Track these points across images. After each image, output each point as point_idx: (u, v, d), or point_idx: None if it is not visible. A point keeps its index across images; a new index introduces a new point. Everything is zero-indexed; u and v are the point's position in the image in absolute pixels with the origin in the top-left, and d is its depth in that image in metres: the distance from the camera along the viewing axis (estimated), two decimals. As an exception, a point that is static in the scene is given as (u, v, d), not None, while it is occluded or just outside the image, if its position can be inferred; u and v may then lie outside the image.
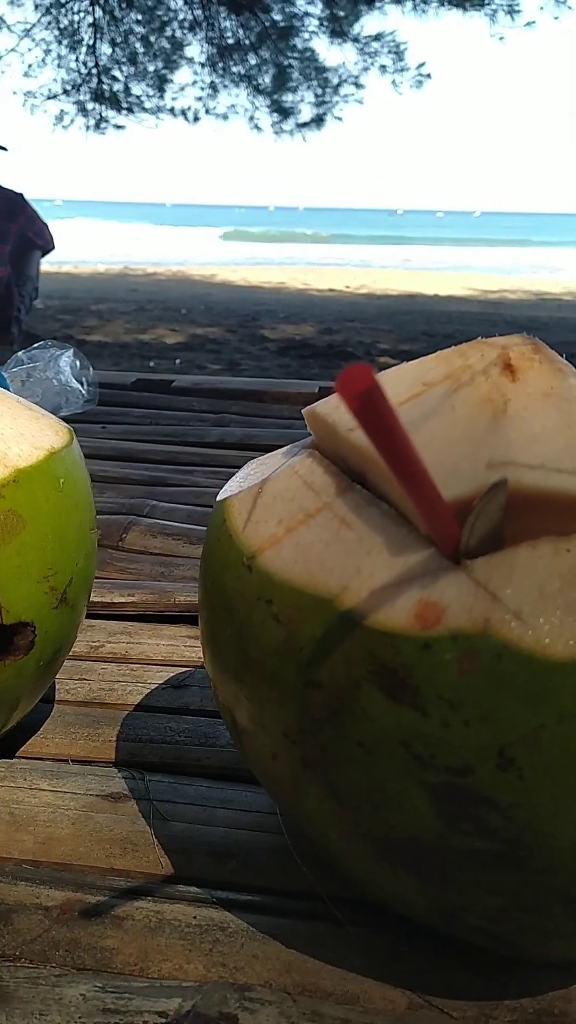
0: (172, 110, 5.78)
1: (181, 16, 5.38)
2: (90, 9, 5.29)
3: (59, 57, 5.51)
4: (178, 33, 5.46)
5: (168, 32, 5.44)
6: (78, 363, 0.72)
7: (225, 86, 5.70)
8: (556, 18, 5.40)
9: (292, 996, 0.24)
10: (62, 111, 5.64)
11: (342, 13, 5.23)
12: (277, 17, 5.30)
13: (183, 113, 5.82)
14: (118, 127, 5.66)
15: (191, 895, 0.27)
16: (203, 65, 5.59)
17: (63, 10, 5.34)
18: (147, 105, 5.67)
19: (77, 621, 0.32)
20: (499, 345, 0.25)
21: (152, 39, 5.46)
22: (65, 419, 0.70)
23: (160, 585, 0.47)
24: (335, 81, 5.58)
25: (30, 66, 5.58)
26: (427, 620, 0.20)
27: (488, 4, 5.21)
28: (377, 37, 5.46)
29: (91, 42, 5.39)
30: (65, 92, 5.56)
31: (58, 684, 0.38)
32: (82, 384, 0.72)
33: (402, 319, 5.02)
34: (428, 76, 5.62)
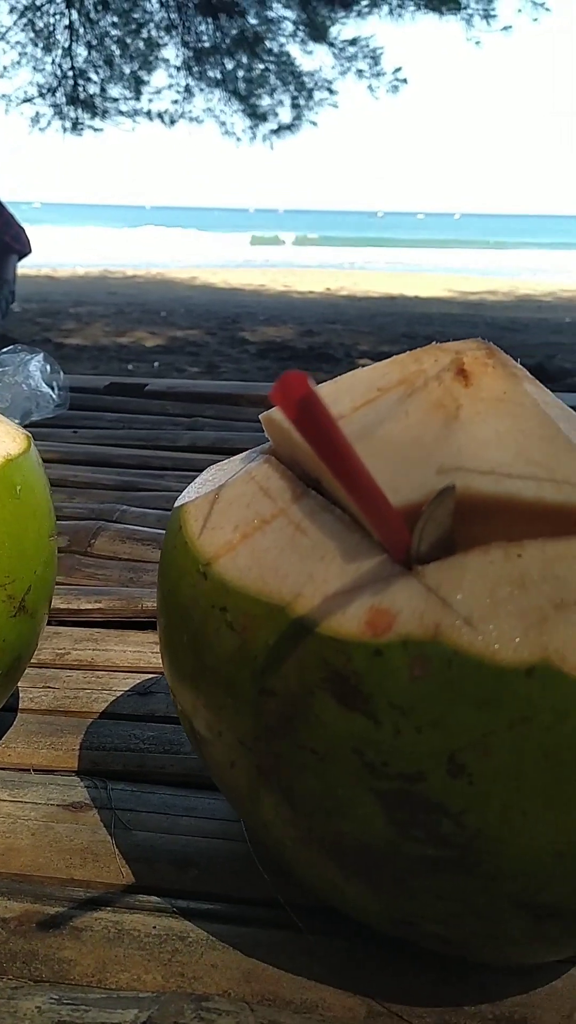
0: (149, 113, 5.77)
1: (158, 18, 5.37)
2: (66, 11, 5.27)
3: (35, 59, 5.49)
4: (154, 34, 5.45)
5: (144, 34, 5.43)
6: (48, 367, 0.71)
7: (201, 90, 5.70)
8: (535, 20, 5.43)
9: (250, 1005, 0.23)
10: (38, 113, 5.62)
11: (318, 18, 5.24)
12: (253, 21, 5.30)
13: (160, 116, 5.81)
14: (95, 129, 5.65)
15: (151, 905, 0.27)
16: (178, 68, 5.59)
17: (38, 12, 5.31)
18: (123, 108, 5.67)
19: (38, 629, 0.32)
20: (453, 350, 0.24)
21: (128, 41, 5.45)
22: (36, 424, 0.70)
23: (128, 591, 0.46)
24: (311, 85, 5.59)
25: (4, 68, 5.56)
26: (378, 627, 0.20)
27: (464, 8, 5.23)
28: (353, 42, 5.47)
29: (67, 44, 5.37)
30: (41, 95, 5.54)
31: (22, 693, 0.38)
32: (53, 389, 0.71)
33: (383, 321, 5.04)
34: (404, 81, 5.64)
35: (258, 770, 0.22)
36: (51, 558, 0.32)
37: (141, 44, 5.46)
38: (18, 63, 5.52)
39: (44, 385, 0.70)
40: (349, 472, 0.17)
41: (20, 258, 3.26)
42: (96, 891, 0.27)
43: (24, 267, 3.74)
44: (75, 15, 5.29)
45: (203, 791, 0.32)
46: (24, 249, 3.24)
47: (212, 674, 0.23)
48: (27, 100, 5.58)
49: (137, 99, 5.68)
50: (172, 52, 5.60)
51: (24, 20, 5.33)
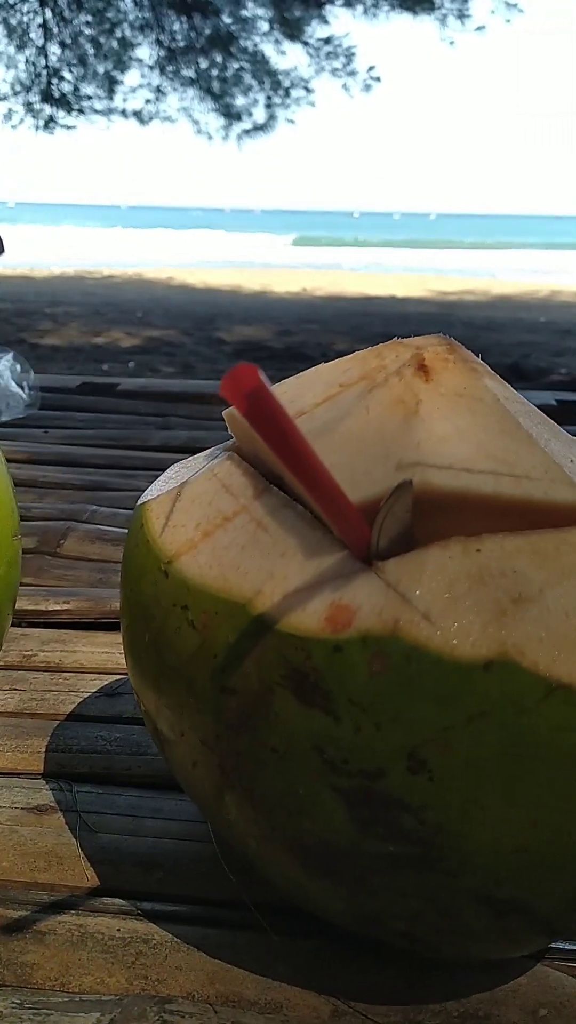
0: (124, 112, 5.74)
1: (131, 17, 5.35)
2: (39, 10, 5.24)
3: (8, 57, 5.45)
4: (128, 34, 5.43)
5: (118, 34, 5.41)
6: (19, 367, 0.71)
7: (175, 89, 5.68)
8: (508, 21, 5.46)
9: (214, 1007, 0.23)
10: (10, 110, 5.57)
11: (292, 17, 5.24)
12: (227, 20, 5.30)
13: (135, 115, 5.79)
14: (68, 127, 5.62)
15: (116, 907, 0.27)
16: (151, 67, 5.57)
17: (12, 11, 5.27)
18: (97, 106, 5.64)
19: (2, 630, 0.32)
20: (414, 346, 0.24)
21: (102, 40, 5.42)
22: (5, 424, 0.69)
23: (96, 592, 0.46)
24: (287, 84, 5.59)
25: (-23, 67, 5.51)
26: (338, 623, 0.20)
27: (439, 8, 5.25)
28: (327, 40, 5.48)
29: (41, 43, 5.33)
30: (15, 93, 5.50)
31: (-12, 695, 0.37)
32: (23, 388, 0.71)
33: (360, 321, 5.04)
34: (378, 79, 5.65)
35: (220, 769, 0.22)
36: (15, 558, 0.32)
37: (115, 43, 5.44)
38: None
39: (14, 385, 0.69)
40: (304, 466, 0.17)
41: (-7, 258, 3.24)
42: (60, 894, 0.27)
43: (-2, 267, 3.71)
44: (49, 13, 5.26)
45: (170, 792, 0.32)
46: (-3, 249, 3.21)
47: (174, 673, 0.23)
48: (1, 99, 5.55)
49: (111, 98, 5.66)
50: (146, 51, 5.58)
51: (-3, 18, 5.29)
